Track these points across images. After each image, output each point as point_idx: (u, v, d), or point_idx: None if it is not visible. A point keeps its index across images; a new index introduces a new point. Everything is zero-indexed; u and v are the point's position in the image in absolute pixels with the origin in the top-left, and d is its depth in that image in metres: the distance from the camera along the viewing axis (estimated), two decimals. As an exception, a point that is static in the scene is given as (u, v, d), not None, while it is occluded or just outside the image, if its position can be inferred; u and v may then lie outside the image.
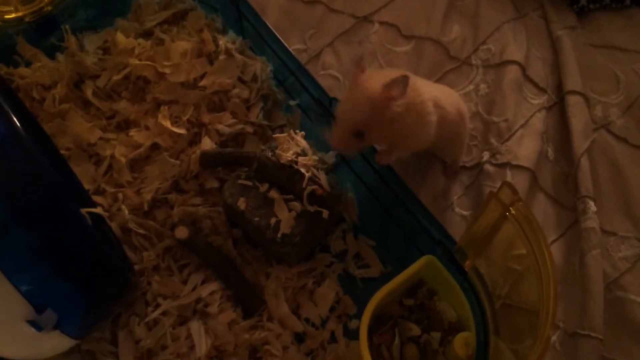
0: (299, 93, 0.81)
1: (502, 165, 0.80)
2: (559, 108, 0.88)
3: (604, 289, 0.72)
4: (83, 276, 0.55)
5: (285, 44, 0.79)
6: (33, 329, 0.51)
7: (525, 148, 0.82)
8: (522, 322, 0.64)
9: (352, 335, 0.71)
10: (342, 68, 0.92)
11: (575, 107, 0.85)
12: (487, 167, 0.81)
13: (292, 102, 0.82)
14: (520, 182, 0.79)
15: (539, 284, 0.50)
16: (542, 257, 0.49)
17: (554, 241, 0.78)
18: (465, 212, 0.80)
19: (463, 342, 0.64)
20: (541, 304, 0.49)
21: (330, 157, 0.76)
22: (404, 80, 0.58)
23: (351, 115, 0.61)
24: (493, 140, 0.83)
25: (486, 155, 0.82)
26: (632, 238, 0.77)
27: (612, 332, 0.71)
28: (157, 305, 0.69)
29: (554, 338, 0.71)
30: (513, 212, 0.51)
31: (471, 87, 0.90)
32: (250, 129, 0.79)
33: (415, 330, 0.68)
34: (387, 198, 0.73)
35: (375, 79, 0.60)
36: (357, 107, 0.60)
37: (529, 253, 0.50)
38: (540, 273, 0.49)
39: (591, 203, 0.76)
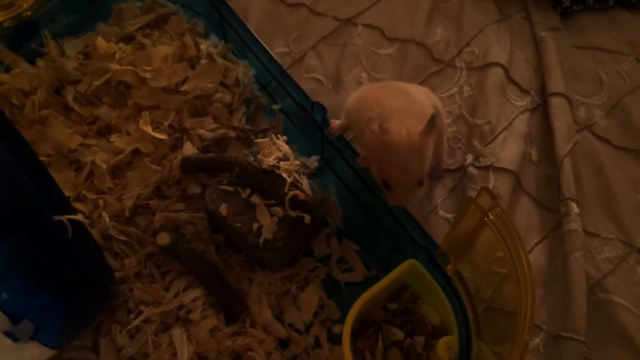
0: (282, 97, 0.80)
1: (486, 168, 0.80)
2: (542, 110, 0.88)
3: (587, 291, 0.73)
4: (60, 286, 0.55)
5: (267, 48, 0.78)
6: (9, 340, 0.50)
7: (509, 150, 0.82)
8: (504, 325, 0.64)
9: (336, 340, 0.71)
10: (326, 71, 0.92)
11: (559, 109, 0.85)
12: (471, 170, 0.81)
13: (274, 107, 0.81)
14: (503, 184, 0.79)
15: (517, 290, 0.49)
16: (519, 263, 0.49)
17: (537, 243, 0.78)
18: (449, 215, 0.80)
19: (446, 346, 0.64)
20: (519, 309, 0.49)
21: (312, 162, 0.76)
22: (433, 120, 0.59)
23: (412, 172, 0.61)
24: (476, 143, 0.83)
25: (469, 158, 0.82)
26: (615, 239, 0.78)
27: (595, 334, 0.71)
28: (139, 313, 0.69)
29: (537, 340, 0.71)
30: (491, 217, 0.50)
31: (455, 89, 0.90)
32: (232, 134, 0.78)
33: (399, 334, 0.68)
34: (371, 202, 0.72)
35: (403, 128, 0.60)
36: (414, 163, 0.60)
37: (507, 258, 0.50)
38: (519, 278, 0.49)
39: (574, 205, 0.76)
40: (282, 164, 0.70)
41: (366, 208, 0.76)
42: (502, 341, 0.61)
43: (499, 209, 0.49)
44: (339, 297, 0.73)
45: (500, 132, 0.83)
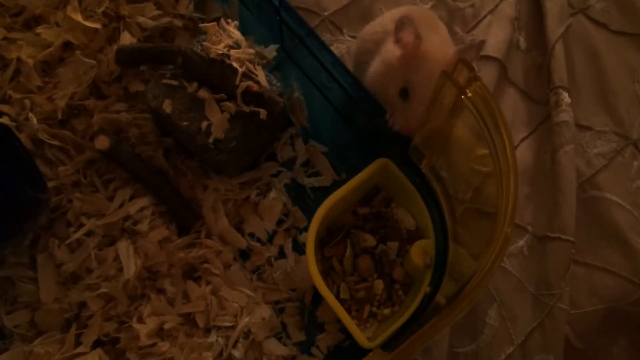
0: (235, -20, 0.70)
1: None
2: (532, -9, 0.78)
3: (578, 188, 0.66)
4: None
5: None
6: None
7: (494, 36, 0.72)
8: (485, 227, 0.58)
9: (302, 250, 0.65)
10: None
11: (551, -11, 0.75)
12: (451, 59, 0.72)
13: (227, -9, 0.71)
14: (487, 74, 0.71)
15: (499, 179, 0.42)
16: (502, 147, 0.41)
17: (524, 139, 0.70)
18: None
19: (420, 250, 0.58)
20: (499, 196, 0.42)
21: (270, 52, 0.67)
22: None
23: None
24: (457, 30, 0.74)
25: (450, 46, 0.73)
26: (610, 132, 0.70)
27: (585, 234, 0.66)
28: (80, 225, 0.62)
29: (521, 242, 0.65)
30: (469, 94, 0.42)
31: (436, -30, 0.79)
32: (179, 23, 0.68)
33: (370, 240, 0.62)
34: (340, 97, 0.64)
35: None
36: None
37: (488, 143, 0.42)
38: (500, 165, 0.42)
39: (565, 94, 0.68)
40: (232, 52, 0.60)
41: (334, 104, 0.68)
42: (482, 244, 0.55)
43: (478, 82, 0.41)
44: (305, 204, 0.67)
45: (485, 16, 0.74)
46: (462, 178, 0.57)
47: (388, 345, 0.54)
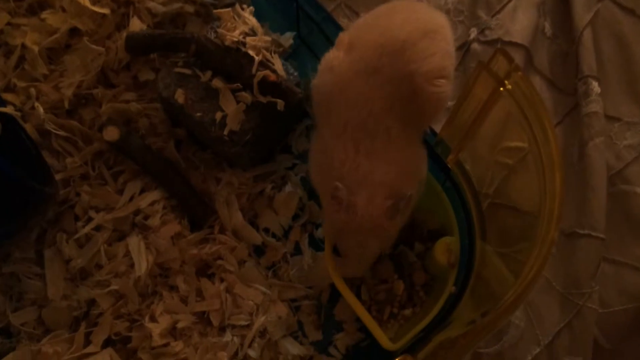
0: (249, -36, 0.67)
1: (492, 43, 0.68)
2: (558, -25, 0.75)
3: (607, 182, 0.63)
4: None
5: None
6: None
7: (519, 22, 0.69)
8: (512, 223, 0.56)
9: (319, 245, 0.63)
10: None
11: (578, -27, 0.72)
12: (475, 46, 0.69)
13: (240, -26, 0.68)
14: (512, 62, 0.68)
15: (541, 177, 0.39)
16: (545, 143, 0.38)
17: (550, 130, 0.67)
18: (450, 102, 0.68)
19: (445, 248, 0.55)
20: (542, 201, 0.39)
21: (286, 39, 0.64)
22: (397, 206, 0.49)
23: (371, 250, 0.53)
24: (482, 14, 0.70)
25: (473, 32, 0.70)
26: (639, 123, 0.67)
27: (614, 231, 0.63)
28: (89, 220, 0.60)
29: (548, 239, 0.63)
30: (509, 86, 0.39)
31: (457, -47, 0.75)
32: (190, 9, 0.65)
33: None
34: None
35: (370, 206, 0.49)
36: (375, 243, 0.52)
37: (529, 138, 0.40)
38: (542, 162, 0.39)
39: (594, 84, 0.65)
40: (248, 39, 0.58)
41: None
42: (509, 241, 0.53)
43: (519, 73, 0.38)
44: (321, 198, 0.64)
45: (510, 1, 0.71)
46: (486, 170, 0.55)
47: (413, 349, 0.51)
